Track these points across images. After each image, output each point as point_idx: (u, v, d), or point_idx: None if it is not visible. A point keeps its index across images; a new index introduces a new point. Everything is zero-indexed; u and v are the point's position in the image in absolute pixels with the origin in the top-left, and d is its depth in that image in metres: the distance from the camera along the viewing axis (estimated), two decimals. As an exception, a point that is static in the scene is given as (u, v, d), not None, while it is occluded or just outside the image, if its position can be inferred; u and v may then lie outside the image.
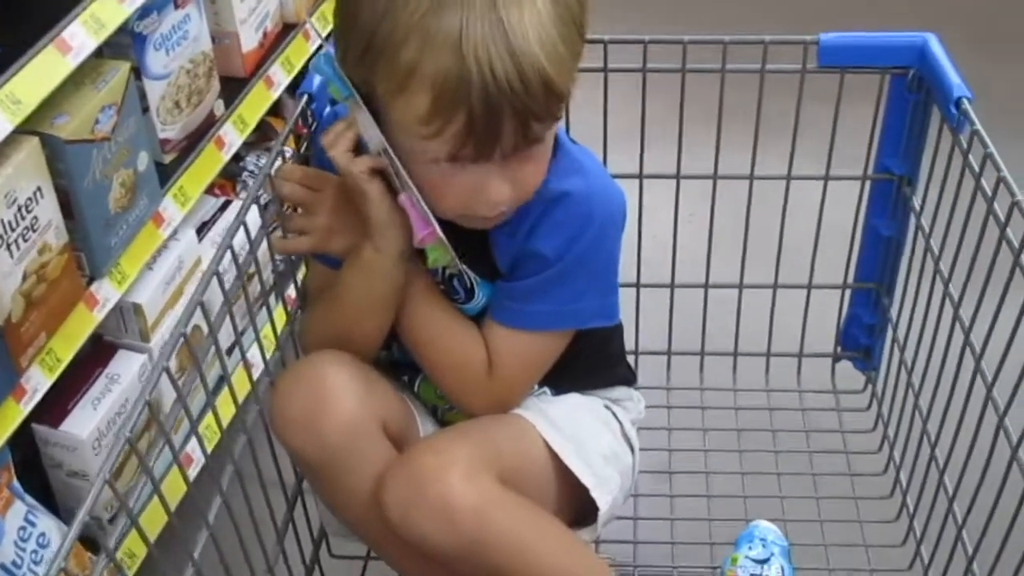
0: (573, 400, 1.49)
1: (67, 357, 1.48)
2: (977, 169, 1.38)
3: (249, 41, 1.96)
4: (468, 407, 1.41)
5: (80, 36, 1.44)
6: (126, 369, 1.66)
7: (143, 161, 1.59)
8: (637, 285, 1.79)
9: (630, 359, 1.61)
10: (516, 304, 1.33)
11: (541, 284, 1.32)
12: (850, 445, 1.80)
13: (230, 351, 1.77)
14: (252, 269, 1.38)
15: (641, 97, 1.61)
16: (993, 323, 1.36)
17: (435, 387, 1.46)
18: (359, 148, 1.26)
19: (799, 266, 1.78)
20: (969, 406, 1.42)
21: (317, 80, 1.46)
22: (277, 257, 1.61)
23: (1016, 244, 1.28)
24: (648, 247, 1.77)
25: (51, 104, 1.42)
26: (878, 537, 1.67)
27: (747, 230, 1.73)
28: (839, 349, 1.88)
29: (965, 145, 1.41)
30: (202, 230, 1.88)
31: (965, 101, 1.42)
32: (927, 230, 1.57)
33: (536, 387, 1.46)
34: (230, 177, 2.10)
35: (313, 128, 1.46)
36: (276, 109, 2.08)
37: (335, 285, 1.37)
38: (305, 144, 1.45)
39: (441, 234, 1.25)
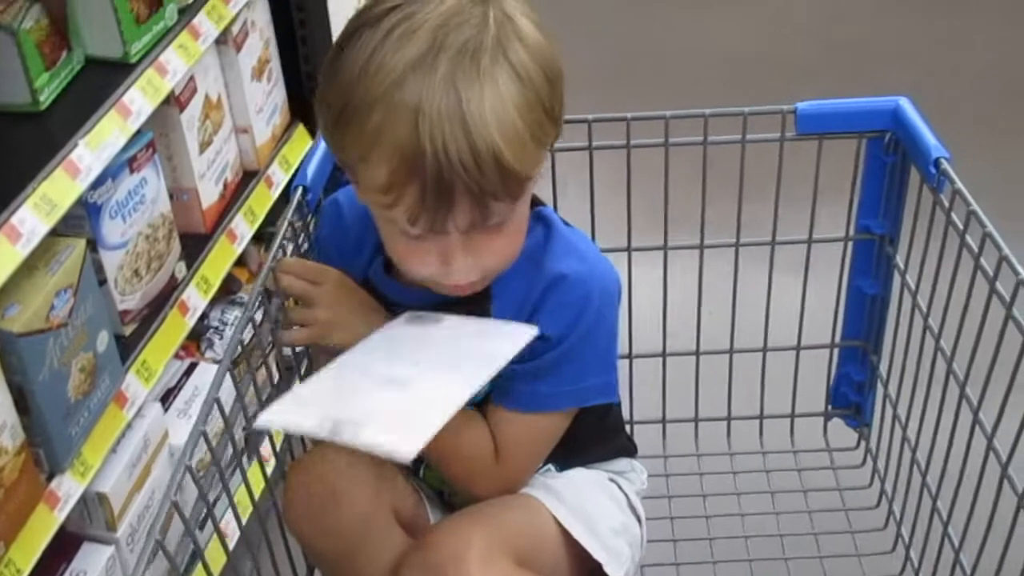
0: (578, 475, 1.51)
1: (28, 566, 1.37)
2: (961, 226, 1.42)
3: (209, 195, 1.87)
4: (476, 493, 1.41)
5: (30, 221, 1.34)
6: (93, 564, 1.57)
7: (103, 341, 1.50)
8: (630, 356, 1.81)
9: (628, 431, 1.63)
10: (521, 387, 1.35)
11: (545, 366, 1.33)
12: (848, 502, 1.81)
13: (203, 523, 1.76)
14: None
15: (626, 172, 1.64)
16: (989, 374, 1.39)
17: (441, 474, 1.47)
18: None
19: (787, 328, 1.81)
20: (970, 458, 1.45)
21: (311, 172, 1.48)
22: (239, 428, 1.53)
23: (1007, 298, 1.31)
24: (637, 318, 1.79)
25: (1, 294, 1.33)
26: (884, 592, 1.69)
27: (735, 296, 1.76)
28: (830, 407, 1.91)
29: (947, 203, 1.45)
30: (167, 398, 1.79)
31: (943, 161, 1.46)
32: (912, 287, 1.61)
33: (541, 465, 1.47)
34: (194, 338, 1.97)
35: (309, 220, 1.48)
36: (240, 258, 1.98)
37: None
38: (302, 237, 1.47)
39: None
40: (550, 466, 1.49)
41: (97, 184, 1.53)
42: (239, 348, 1.29)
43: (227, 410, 1.27)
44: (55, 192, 1.39)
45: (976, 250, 1.39)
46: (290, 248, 1.44)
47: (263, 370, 1.68)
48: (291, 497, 1.39)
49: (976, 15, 3.79)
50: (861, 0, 3.91)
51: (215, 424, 1.35)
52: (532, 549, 1.36)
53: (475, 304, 1.32)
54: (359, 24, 1.18)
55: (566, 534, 1.41)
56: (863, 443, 1.88)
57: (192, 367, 1.85)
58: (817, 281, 1.74)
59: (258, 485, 1.42)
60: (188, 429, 1.59)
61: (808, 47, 3.61)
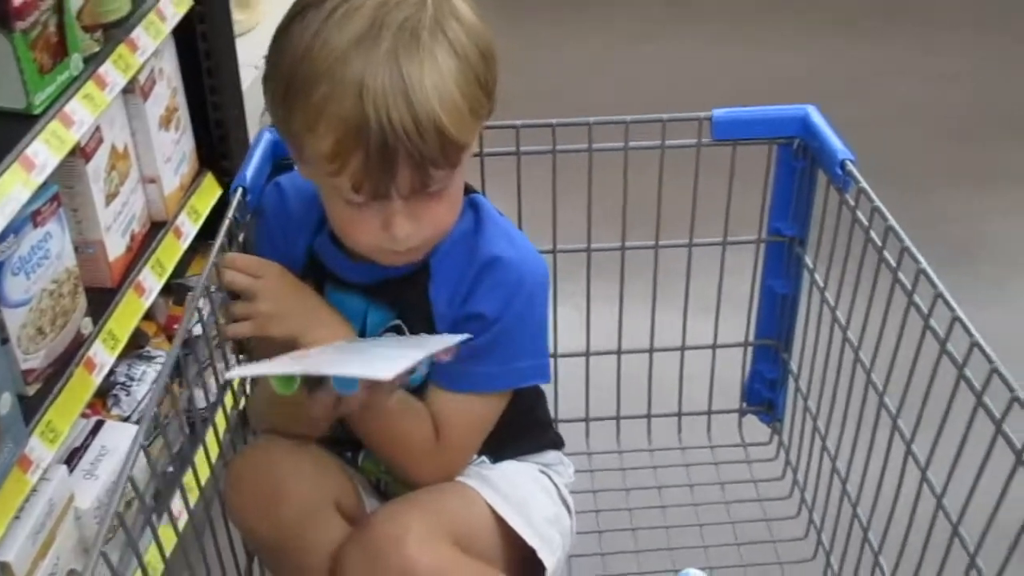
0: (511, 467, 1.56)
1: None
2: (866, 222, 1.52)
3: (116, 248, 1.80)
4: (415, 478, 1.46)
5: None
6: (-4, 635, 1.49)
7: (5, 404, 1.43)
8: (555, 356, 1.86)
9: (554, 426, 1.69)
10: (459, 367, 1.39)
11: (482, 346, 1.39)
12: (763, 493, 1.91)
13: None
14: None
15: (552, 177, 1.72)
16: (892, 361, 1.49)
17: (379, 461, 1.52)
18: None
19: (705, 328, 1.90)
20: (876, 440, 1.54)
21: (250, 173, 1.53)
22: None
23: (909, 286, 1.42)
24: (561, 318, 1.86)
25: None
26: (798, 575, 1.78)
27: (655, 296, 1.84)
28: (744, 404, 2.00)
29: (852, 202, 1.56)
30: (72, 459, 1.70)
31: (849, 163, 1.56)
32: (821, 284, 1.71)
33: (475, 456, 1.53)
34: (100, 394, 1.87)
35: (248, 219, 1.53)
36: (148, 312, 1.90)
37: None
38: (242, 236, 1.51)
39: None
40: (484, 458, 1.54)
41: None
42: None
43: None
44: None
45: (880, 243, 1.49)
46: (230, 246, 1.48)
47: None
48: (233, 487, 1.42)
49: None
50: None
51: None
52: (468, 535, 1.41)
53: (414, 282, 1.38)
54: (304, 5, 1.24)
55: (500, 522, 1.46)
56: (776, 437, 1.98)
57: (99, 425, 1.77)
58: (733, 282, 1.83)
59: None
60: (95, 491, 1.64)
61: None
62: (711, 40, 3.95)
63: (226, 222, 1.47)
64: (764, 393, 1.97)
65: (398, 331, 1.44)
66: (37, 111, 1.56)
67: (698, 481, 1.94)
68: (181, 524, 1.41)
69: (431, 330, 1.41)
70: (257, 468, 1.41)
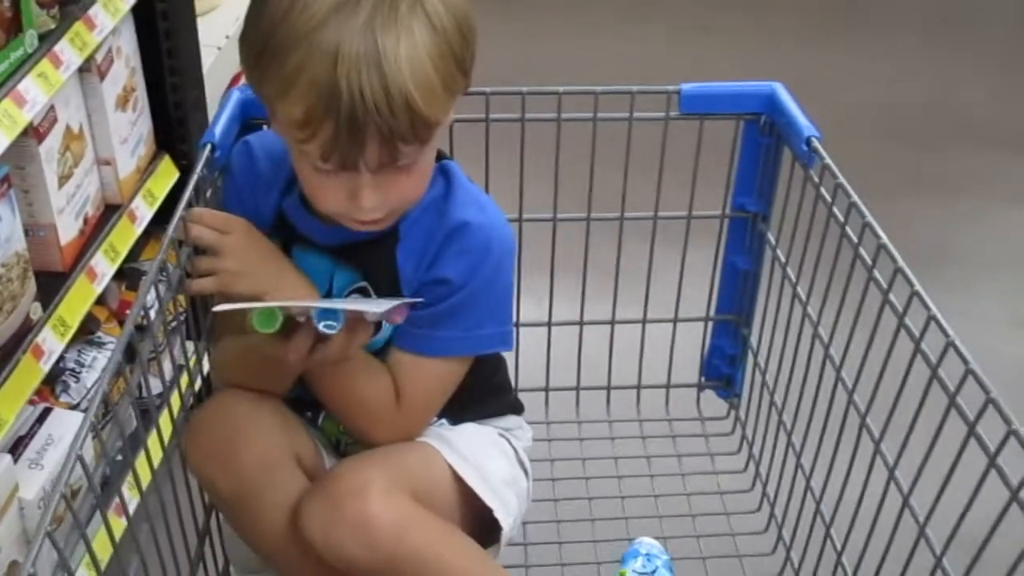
0: (471, 429, 1.58)
1: None
2: (830, 199, 1.54)
3: (68, 231, 1.74)
4: (374, 439, 1.47)
5: None
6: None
7: None
8: (516, 325, 1.87)
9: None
10: (422, 331, 1.41)
11: (446, 311, 1.40)
12: (718, 466, 1.93)
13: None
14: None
15: (520, 145, 1.73)
16: (851, 336, 1.51)
17: (339, 422, 1.53)
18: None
19: (666, 303, 1.92)
20: (832, 413, 1.57)
21: (219, 130, 1.53)
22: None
23: (870, 261, 1.44)
24: (524, 288, 1.87)
25: None
26: (750, 547, 1.81)
27: (618, 269, 1.85)
28: (703, 379, 2.02)
29: (817, 179, 1.58)
30: (18, 447, 1.65)
31: (814, 140, 1.58)
32: (783, 260, 1.73)
33: (435, 418, 1.54)
34: (48, 381, 1.81)
35: (216, 176, 1.53)
36: (100, 297, 1.83)
37: (245, 341, 1.41)
38: (209, 192, 1.51)
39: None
40: (443, 420, 1.55)
41: None
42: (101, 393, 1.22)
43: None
44: None
45: (842, 219, 1.51)
46: (197, 202, 1.48)
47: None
48: (193, 439, 1.43)
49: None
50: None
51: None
52: (428, 491, 1.42)
53: (381, 245, 1.39)
54: None
55: (458, 481, 1.48)
56: (733, 412, 2.00)
57: (46, 413, 1.71)
58: (695, 256, 1.85)
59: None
60: (40, 481, 1.58)
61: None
62: (667, 38, 3.97)
63: (194, 177, 1.46)
64: (723, 368, 1.99)
65: (363, 293, 1.44)
66: None
67: (655, 453, 1.96)
68: (132, 508, 1.38)
69: (396, 294, 1.42)
70: (217, 419, 1.42)
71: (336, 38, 1.18)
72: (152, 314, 1.34)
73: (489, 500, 1.49)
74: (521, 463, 1.62)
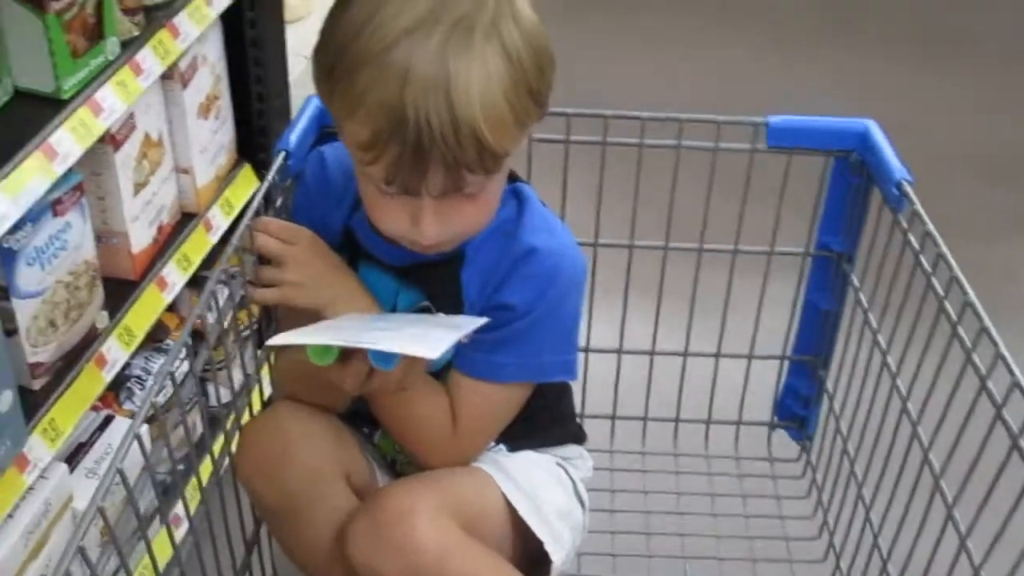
0: (528, 457, 1.54)
1: None
2: (917, 246, 1.47)
3: (141, 240, 1.71)
4: (428, 462, 1.45)
5: None
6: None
7: (5, 402, 1.35)
8: (586, 350, 1.85)
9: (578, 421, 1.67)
10: (483, 356, 1.38)
11: (508, 336, 1.37)
12: (785, 511, 1.87)
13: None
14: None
15: (600, 169, 1.69)
16: (929, 393, 1.44)
17: (395, 441, 1.51)
18: None
19: (741, 336, 1.86)
20: (905, 469, 1.50)
21: (294, 138, 1.51)
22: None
23: (954, 317, 1.37)
24: (597, 313, 1.83)
25: None
26: (813, 598, 1.74)
27: (693, 300, 1.80)
28: (775, 418, 1.96)
29: (905, 224, 1.51)
30: (77, 455, 1.61)
31: (905, 183, 1.51)
32: (865, 305, 1.66)
33: (493, 443, 1.51)
34: (113, 387, 1.76)
35: (289, 184, 1.51)
36: (171, 305, 1.80)
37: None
38: (279, 200, 1.49)
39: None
40: (501, 446, 1.52)
41: (14, 228, 1.38)
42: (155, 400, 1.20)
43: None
44: None
45: (929, 269, 1.44)
46: (267, 210, 1.46)
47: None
48: (245, 451, 1.42)
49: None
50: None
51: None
52: (478, 518, 1.39)
53: (447, 267, 1.36)
54: None
55: (511, 510, 1.44)
56: (804, 456, 1.93)
57: (108, 420, 1.68)
58: (775, 292, 1.79)
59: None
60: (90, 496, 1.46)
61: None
62: (757, 53, 3.86)
63: (265, 184, 1.45)
64: (796, 409, 1.93)
65: (427, 312, 1.41)
66: (66, 96, 1.48)
67: (720, 492, 1.90)
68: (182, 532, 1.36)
69: (460, 315, 1.39)
70: (268, 432, 1.41)
71: (407, 61, 1.14)
72: (209, 318, 1.32)
73: (541, 532, 1.45)
74: (578, 494, 1.58)
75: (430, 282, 1.40)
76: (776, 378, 1.92)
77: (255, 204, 1.41)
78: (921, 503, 1.44)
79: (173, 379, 1.25)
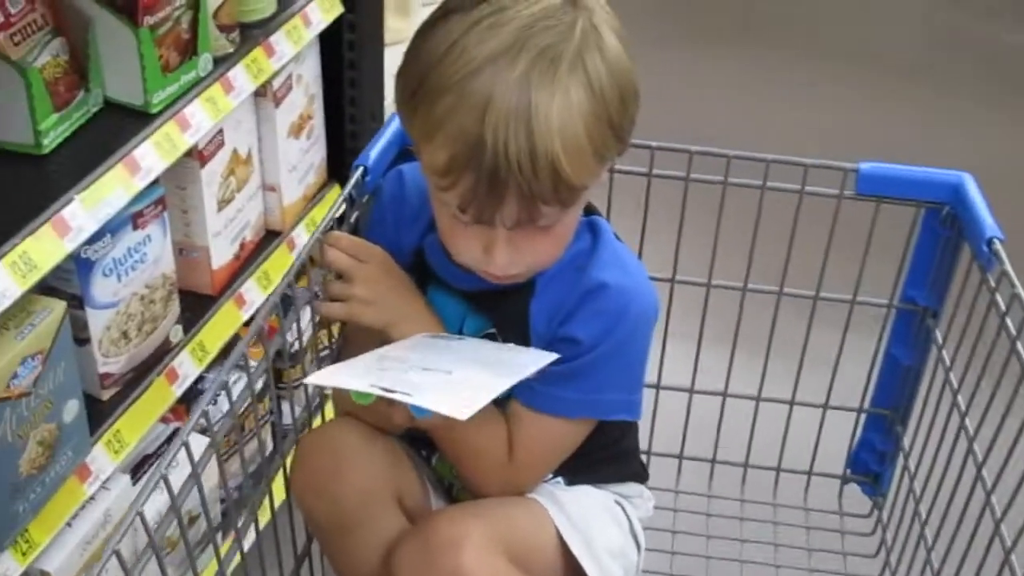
0: (585, 492, 1.51)
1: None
2: (1004, 308, 1.42)
3: (221, 256, 1.71)
4: (482, 490, 1.43)
5: (2, 281, 1.21)
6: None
7: (70, 411, 1.35)
8: (657, 387, 1.82)
9: (642, 458, 1.63)
10: (545, 388, 1.36)
11: (572, 371, 1.34)
12: (851, 568, 1.81)
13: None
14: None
15: (681, 204, 1.66)
16: (1007, 460, 1.39)
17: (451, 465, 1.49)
18: None
19: (817, 385, 1.81)
20: (976, 538, 1.44)
21: (374, 154, 1.51)
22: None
23: (1036, 385, 1.31)
24: (670, 350, 1.80)
25: None
26: (874, 662, 1.68)
27: (770, 344, 1.76)
28: (848, 471, 1.90)
29: (993, 283, 1.45)
30: (142, 466, 1.59)
31: (996, 241, 1.46)
32: (947, 363, 1.60)
33: (550, 476, 1.48)
34: (184, 401, 1.73)
35: (365, 200, 1.51)
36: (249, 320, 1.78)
37: None
38: (354, 216, 1.49)
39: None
40: (559, 478, 1.49)
41: (93, 239, 1.38)
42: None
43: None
44: (37, 252, 1.27)
45: (1015, 333, 1.38)
46: (340, 224, 1.46)
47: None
48: (299, 464, 1.41)
49: None
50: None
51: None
52: (528, 551, 1.37)
53: (516, 296, 1.34)
54: (450, 9, 1.20)
55: (563, 545, 1.41)
56: (876, 512, 1.87)
57: (176, 434, 1.65)
58: (854, 342, 1.74)
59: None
60: (158, 504, 1.48)
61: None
62: (852, 94, 3.73)
63: (340, 199, 1.45)
64: (871, 464, 1.87)
65: (492, 340, 1.40)
66: (154, 110, 1.50)
67: (785, 542, 1.85)
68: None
69: (525, 346, 1.37)
70: (323, 448, 1.40)
71: (489, 89, 1.13)
72: (289, 337, 1.31)
73: (591, 570, 1.42)
74: (634, 534, 1.54)
75: (498, 310, 1.38)
76: (851, 430, 1.86)
77: (327, 217, 1.41)
78: (991, 573, 1.38)
79: (252, 393, 1.25)
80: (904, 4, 4.24)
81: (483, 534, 1.32)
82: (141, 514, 1.00)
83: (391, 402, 1.19)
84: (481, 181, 1.15)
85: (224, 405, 1.66)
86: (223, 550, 1.30)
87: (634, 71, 1.22)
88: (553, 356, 1.29)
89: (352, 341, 1.49)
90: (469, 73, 1.14)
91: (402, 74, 1.24)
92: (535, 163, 1.13)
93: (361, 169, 1.49)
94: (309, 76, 1.87)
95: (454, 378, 1.20)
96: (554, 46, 1.15)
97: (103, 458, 1.44)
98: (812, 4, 4.17)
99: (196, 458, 1.12)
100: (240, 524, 1.33)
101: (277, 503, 1.44)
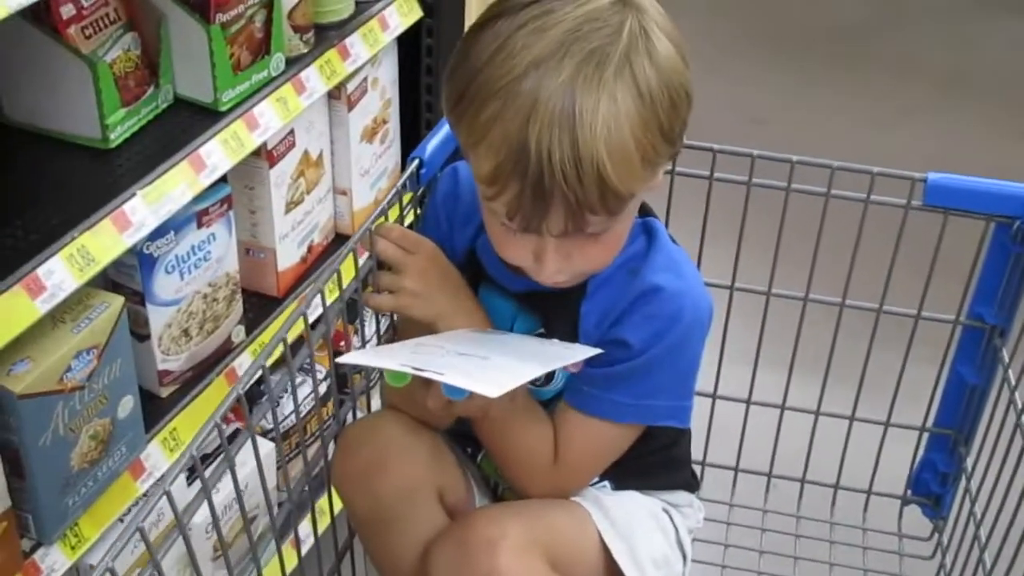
0: (632, 498, 1.49)
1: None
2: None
3: (288, 258, 1.70)
4: (526, 490, 1.41)
5: (59, 274, 1.19)
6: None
7: (125, 407, 1.35)
8: (713, 396, 1.79)
9: (696, 468, 1.60)
10: (594, 390, 1.34)
11: (622, 374, 1.32)
12: (908, 592, 1.76)
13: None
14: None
15: (743, 209, 1.63)
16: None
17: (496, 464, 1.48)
18: None
19: (878, 401, 1.76)
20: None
21: (430, 147, 1.51)
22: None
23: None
24: (727, 359, 1.76)
25: (13, 345, 1.18)
26: None
27: (831, 357, 1.72)
28: (909, 492, 1.85)
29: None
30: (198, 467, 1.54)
31: (1067, 258, 1.41)
32: (1013, 383, 1.55)
33: (597, 479, 1.46)
34: (247, 401, 1.66)
35: (420, 193, 1.50)
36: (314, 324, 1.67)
37: None
38: (409, 208, 1.49)
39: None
40: (606, 483, 1.47)
41: (156, 235, 1.39)
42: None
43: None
44: (96, 246, 1.26)
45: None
46: (393, 216, 1.46)
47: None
48: (341, 455, 1.41)
49: None
50: None
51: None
52: (568, 555, 1.35)
53: (567, 298, 1.32)
54: (498, 12, 1.19)
55: (605, 550, 1.39)
56: (936, 536, 1.82)
57: (235, 434, 1.58)
58: (918, 358, 1.69)
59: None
60: (219, 499, 1.47)
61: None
62: (921, 104, 3.61)
63: (394, 190, 1.45)
64: (932, 485, 1.81)
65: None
66: (223, 108, 1.49)
67: (841, 562, 1.80)
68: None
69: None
70: (366, 440, 1.40)
71: (533, 94, 1.11)
72: (355, 341, 1.30)
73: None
74: (680, 544, 1.51)
75: (548, 311, 1.37)
76: (912, 450, 1.81)
77: (379, 208, 1.40)
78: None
79: (317, 397, 1.23)
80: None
81: (521, 534, 1.30)
82: (168, 493, 1.00)
83: (426, 384, 1.18)
84: (526, 190, 1.13)
85: (286, 407, 1.69)
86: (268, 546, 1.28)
87: (686, 73, 1.18)
88: (597, 350, 1.27)
89: (403, 334, 1.48)
90: (514, 78, 1.13)
91: (449, 79, 1.22)
92: (580, 171, 1.11)
93: (417, 161, 1.49)
94: (385, 80, 1.85)
95: (490, 363, 1.18)
96: (601, 49, 1.13)
97: (158, 455, 1.44)
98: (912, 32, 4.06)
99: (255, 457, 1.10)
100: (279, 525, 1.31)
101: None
